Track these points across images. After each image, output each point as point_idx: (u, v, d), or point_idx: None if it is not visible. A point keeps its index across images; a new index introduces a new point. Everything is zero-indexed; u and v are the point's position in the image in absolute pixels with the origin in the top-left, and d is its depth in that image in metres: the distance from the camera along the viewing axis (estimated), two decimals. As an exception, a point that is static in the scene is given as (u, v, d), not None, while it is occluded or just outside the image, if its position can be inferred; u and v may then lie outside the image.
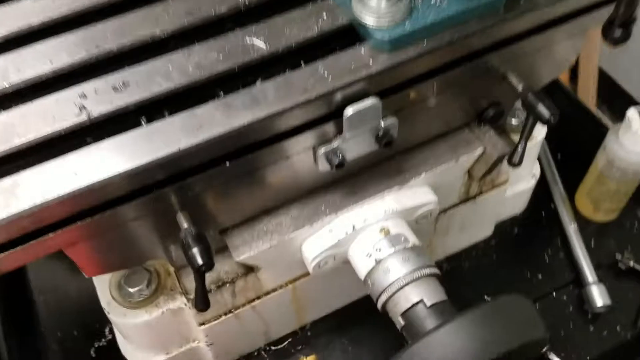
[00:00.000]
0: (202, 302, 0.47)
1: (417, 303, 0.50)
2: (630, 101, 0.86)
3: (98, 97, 0.44)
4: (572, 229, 0.76)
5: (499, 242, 0.77)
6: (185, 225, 0.46)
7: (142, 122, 0.44)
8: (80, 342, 0.69)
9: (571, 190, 0.79)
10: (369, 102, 0.46)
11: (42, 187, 0.40)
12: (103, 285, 0.56)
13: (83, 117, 0.43)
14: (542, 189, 0.78)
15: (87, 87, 0.45)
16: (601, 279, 0.71)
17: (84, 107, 0.44)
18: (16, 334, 0.69)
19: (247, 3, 0.50)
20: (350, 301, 0.70)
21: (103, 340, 0.69)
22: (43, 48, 0.47)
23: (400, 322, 0.51)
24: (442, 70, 0.49)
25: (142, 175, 0.42)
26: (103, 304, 0.56)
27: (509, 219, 0.78)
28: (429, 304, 0.50)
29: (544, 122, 0.52)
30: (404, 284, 0.51)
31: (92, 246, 0.46)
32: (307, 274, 0.60)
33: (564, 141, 0.82)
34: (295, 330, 0.69)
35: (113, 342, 0.66)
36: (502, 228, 0.77)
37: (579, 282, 0.72)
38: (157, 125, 0.44)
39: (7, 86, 0.45)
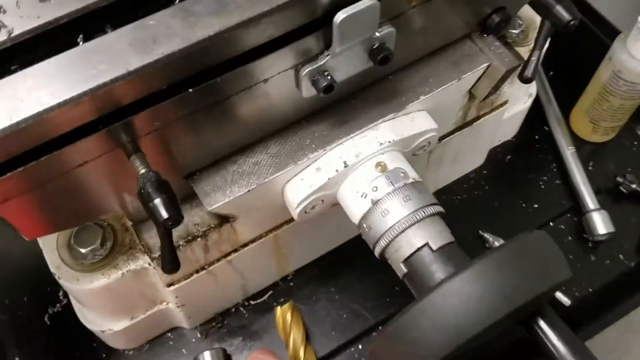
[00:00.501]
0: (170, 263, 0.39)
1: (421, 247, 0.43)
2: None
3: (20, 10, 0.34)
4: (569, 153, 0.70)
5: (491, 171, 0.70)
6: (142, 170, 0.37)
7: (79, 41, 0.34)
8: (32, 309, 0.60)
9: (565, 109, 0.73)
10: (366, 2, 0.37)
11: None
12: (50, 246, 0.46)
13: (2, 37, 0.33)
14: (534, 110, 0.71)
15: (1, -4, 0.34)
16: (602, 205, 0.66)
17: (3, 24, 0.33)
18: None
19: None
20: (336, 246, 0.63)
21: (58, 305, 0.60)
22: None
23: (402, 269, 0.44)
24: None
25: (84, 108, 0.32)
26: (52, 268, 0.46)
27: (501, 145, 0.71)
28: (435, 247, 0.43)
29: (562, 27, 0.45)
30: (406, 227, 0.43)
31: (29, 201, 0.36)
32: (291, 220, 0.52)
33: (557, 54, 0.75)
34: (276, 282, 0.62)
35: (69, 307, 0.57)
36: (494, 155, 0.71)
37: (578, 209, 0.67)
38: (99, 42, 0.34)
39: None
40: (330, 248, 0.63)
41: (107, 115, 0.34)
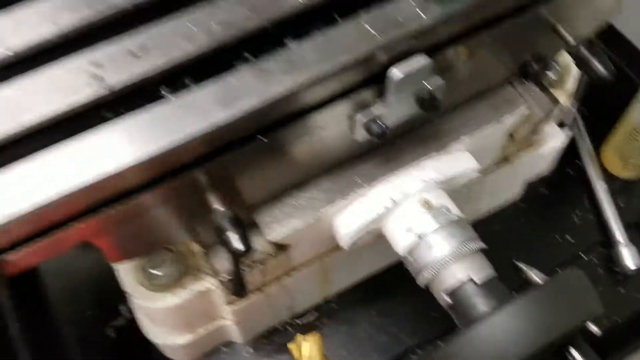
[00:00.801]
0: (240, 288, 0.43)
1: (465, 281, 0.47)
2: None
3: (113, 64, 0.39)
4: (600, 188, 0.73)
5: (527, 204, 0.73)
6: (218, 207, 0.42)
7: (166, 94, 0.39)
8: (96, 322, 0.65)
9: (597, 145, 0.76)
10: (419, 60, 0.41)
11: (64, 173, 0.35)
12: (126, 268, 0.51)
13: (99, 89, 0.38)
14: (568, 146, 0.74)
15: (100, 53, 0.39)
16: (632, 240, 0.69)
17: (100, 77, 0.38)
18: (28, 318, 0.65)
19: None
20: (378, 270, 0.66)
21: (121, 319, 0.65)
22: (44, 8, 0.40)
23: (446, 300, 0.47)
24: (496, 20, 0.44)
25: (173, 157, 0.37)
26: (127, 288, 0.51)
27: (536, 179, 0.75)
28: (478, 281, 0.47)
29: (599, 80, 0.48)
30: (450, 261, 0.47)
31: (117, 234, 0.41)
32: (338, 247, 0.56)
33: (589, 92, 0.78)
34: (321, 303, 0.66)
35: (132, 321, 0.62)
36: (530, 189, 0.74)
37: (609, 243, 0.70)
38: (186, 97, 0.38)
39: (8, 53, 0.39)
40: (371, 273, 0.66)
41: (191, 161, 0.38)
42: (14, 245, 0.37)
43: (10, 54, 0.39)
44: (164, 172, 0.38)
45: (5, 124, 0.37)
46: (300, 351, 0.51)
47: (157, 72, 0.39)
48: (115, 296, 0.57)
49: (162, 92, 0.39)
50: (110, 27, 0.40)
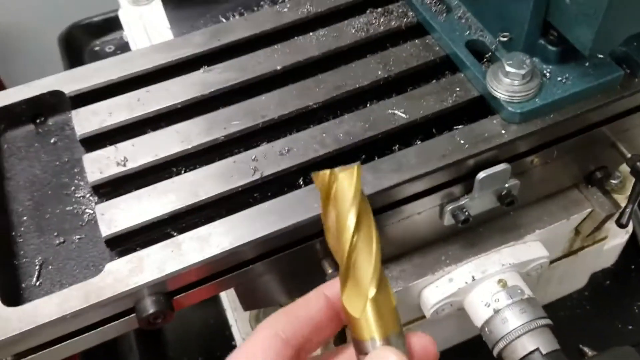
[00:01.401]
0: (339, 338, 0.53)
1: (533, 351, 0.55)
2: None
3: (267, 160, 0.52)
4: (663, 283, 0.79)
5: (591, 293, 0.80)
6: (330, 270, 0.53)
7: (301, 184, 0.52)
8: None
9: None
10: (500, 167, 0.52)
11: (229, 236, 0.47)
12: (243, 319, 0.62)
13: (256, 177, 0.51)
14: (630, 242, 0.81)
15: (258, 151, 0.52)
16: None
17: (257, 169, 0.51)
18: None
19: (386, 77, 0.57)
20: (456, 343, 0.74)
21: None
22: (216, 116, 0.55)
23: (517, 367, 0.56)
24: (564, 139, 0.54)
25: (300, 230, 0.48)
26: (243, 334, 0.62)
27: (601, 271, 0.82)
28: (544, 352, 0.55)
29: (654, 187, 0.57)
30: (521, 334, 0.56)
31: (253, 287, 0.52)
32: (421, 317, 0.65)
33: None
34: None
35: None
36: (595, 279, 0.81)
37: (670, 334, 0.75)
38: (314, 186, 0.50)
39: (189, 147, 0.53)
40: (453, 344, 0.74)
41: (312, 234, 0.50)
42: (184, 288, 0.49)
43: (192, 150, 0.53)
44: (293, 241, 0.50)
45: (187, 198, 0.50)
46: (330, 182, 0.37)
47: (297, 167, 0.52)
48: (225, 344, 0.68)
49: (299, 182, 0.52)
50: (265, 132, 0.54)
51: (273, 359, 0.35)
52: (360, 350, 0.36)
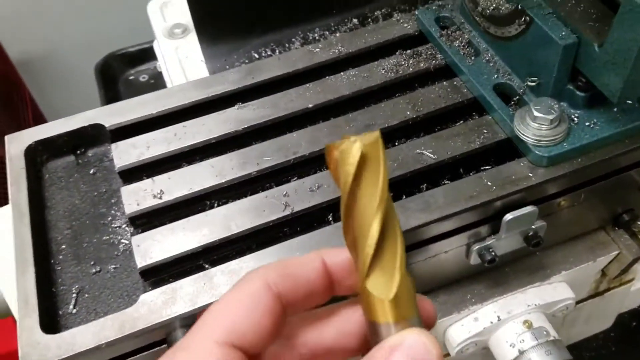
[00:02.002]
0: None
1: (559, 392, 0.55)
2: None
3: (297, 195, 0.53)
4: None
5: (618, 334, 0.79)
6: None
7: (330, 219, 0.53)
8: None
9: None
10: (527, 210, 0.53)
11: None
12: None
13: (287, 212, 0.52)
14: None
15: (289, 187, 0.54)
16: None
17: (287, 204, 0.52)
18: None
19: (415, 117, 0.58)
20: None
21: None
22: (249, 151, 0.57)
23: (542, 408, 0.55)
24: (592, 182, 0.55)
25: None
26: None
27: (627, 312, 0.81)
28: (570, 393, 0.55)
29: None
30: (546, 374, 0.56)
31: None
32: (446, 355, 0.65)
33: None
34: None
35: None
36: (621, 320, 0.80)
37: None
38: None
39: (223, 182, 0.54)
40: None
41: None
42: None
43: (225, 184, 0.54)
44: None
45: (219, 232, 0.51)
46: (350, 155, 0.31)
47: (327, 203, 0.53)
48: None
49: (329, 218, 0.53)
50: (296, 168, 0.56)
51: (262, 312, 0.32)
52: (378, 333, 0.33)
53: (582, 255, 0.62)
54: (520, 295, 0.60)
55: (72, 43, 1.45)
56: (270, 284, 0.33)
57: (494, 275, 0.62)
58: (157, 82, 1.13)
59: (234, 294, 0.33)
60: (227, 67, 0.68)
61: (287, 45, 0.70)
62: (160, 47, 0.80)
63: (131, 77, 1.16)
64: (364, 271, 0.33)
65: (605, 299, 0.70)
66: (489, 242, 0.56)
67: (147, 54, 1.14)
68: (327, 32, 0.70)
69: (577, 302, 0.69)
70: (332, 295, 0.36)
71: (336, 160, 0.32)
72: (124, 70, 1.16)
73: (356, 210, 0.32)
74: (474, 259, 0.57)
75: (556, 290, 0.61)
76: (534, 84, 0.54)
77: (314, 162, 0.56)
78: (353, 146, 0.31)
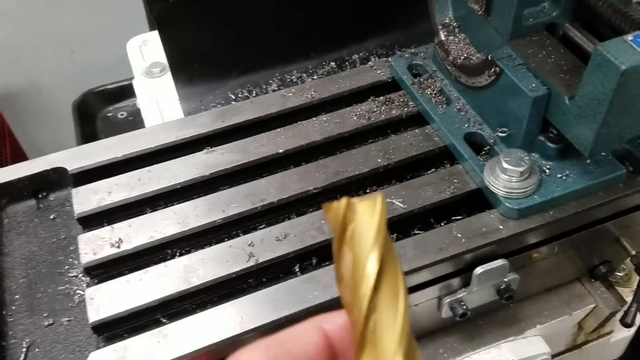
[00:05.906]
0: None
1: None
2: None
3: (263, 245, 0.51)
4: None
5: (599, 386, 0.77)
6: None
7: (297, 270, 0.51)
8: None
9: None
10: (498, 263, 0.51)
11: (218, 328, 0.46)
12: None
13: (251, 264, 0.50)
14: (638, 334, 0.79)
15: (255, 236, 0.52)
16: None
17: (252, 255, 0.51)
18: None
19: (386, 164, 0.57)
20: None
21: None
22: (216, 198, 0.55)
23: None
24: (565, 235, 0.54)
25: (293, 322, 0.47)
26: None
27: (608, 363, 0.79)
28: None
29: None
30: None
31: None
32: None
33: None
34: None
35: None
36: (602, 372, 0.78)
37: None
38: (310, 275, 0.50)
39: (185, 230, 0.53)
40: None
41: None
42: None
43: (188, 232, 0.52)
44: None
45: (178, 285, 0.49)
46: (345, 217, 0.28)
47: (294, 254, 0.51)
48: None
49: (295, 269, 0.51)
50: (264, 215, 0.54)
51: None
52: None
53: (557, 309, 0.60)
54: (494, 350, 0.58)
55: (52, 78, 1.44)
56: None
57: (468, 328, 0.60)
58: (135, 120, 1.11)
59: None
60: (203, 107, 0.67)
61: (264, 86, 0.69)
62: (139, 85, 0.80)
63: (109, 114, 1.15)
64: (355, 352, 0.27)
65: (583, 351, 0.68)
66: (461, 295, 0.54)
67: (126, 91, 1.13)
68: (304, 75, 0.69)
69: (554, 356, 0.67)
70: None
71: (334, 219, 0.28)
72: (102, 108, 1.15)
73: (344, 279, 0.28)
74: (446, 312, 0.55)
75: (531, 344, 0.59)
76: (504, 134, 0.54)
77: (283, 209, 0.55)
78: (344, 204, 0.27)
